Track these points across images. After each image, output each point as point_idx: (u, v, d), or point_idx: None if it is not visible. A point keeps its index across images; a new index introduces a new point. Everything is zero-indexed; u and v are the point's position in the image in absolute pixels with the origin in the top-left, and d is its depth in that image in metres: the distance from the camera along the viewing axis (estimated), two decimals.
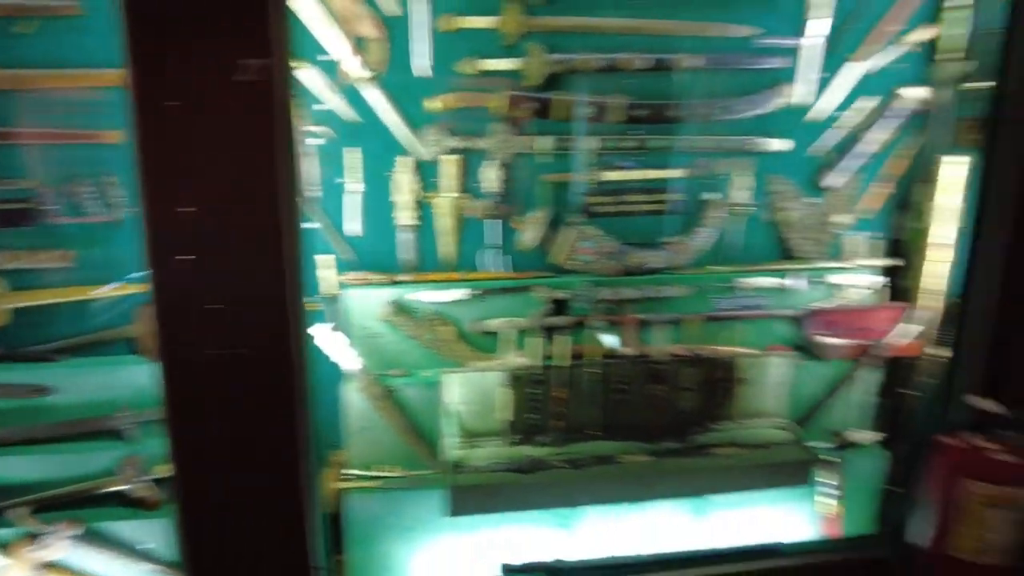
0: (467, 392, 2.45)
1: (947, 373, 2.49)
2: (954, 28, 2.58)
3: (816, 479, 2.73)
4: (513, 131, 2.43)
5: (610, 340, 2.58)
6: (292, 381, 1.67)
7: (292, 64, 1.54)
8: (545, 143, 2.48)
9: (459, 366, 2.52)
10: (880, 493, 2.76)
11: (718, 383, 2.58)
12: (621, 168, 2.57)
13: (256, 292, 1.60)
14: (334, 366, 2.41)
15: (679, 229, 2.63)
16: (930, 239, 2.69)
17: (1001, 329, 2.27)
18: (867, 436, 2.74)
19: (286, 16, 1.50)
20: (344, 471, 2.44)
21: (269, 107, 1.48)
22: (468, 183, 2.50)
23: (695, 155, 2.59)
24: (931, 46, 2.65)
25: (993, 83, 2.27)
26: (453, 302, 2.51)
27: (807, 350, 2.70)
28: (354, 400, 2.43)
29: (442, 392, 2.44)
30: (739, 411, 2.63)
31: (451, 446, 2.45)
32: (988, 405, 2.21)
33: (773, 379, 2.63)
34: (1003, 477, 2.12)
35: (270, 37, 1.44)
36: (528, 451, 2.48)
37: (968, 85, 2.55)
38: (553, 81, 2.44)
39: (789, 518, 2.75)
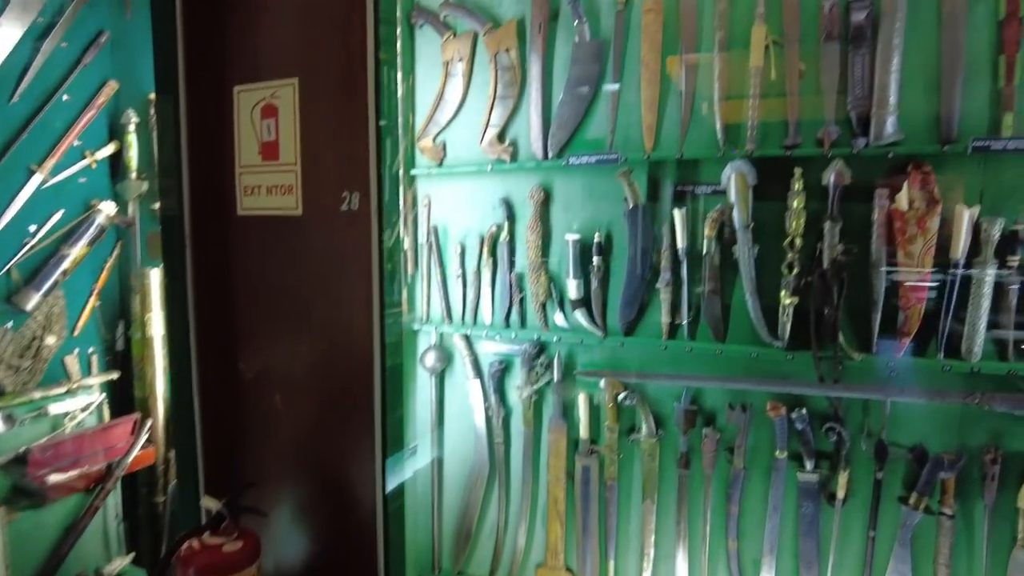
0: None
1: (180, 476, 2.59)
2: (134, 149, 2.73)
3: None
4: None
5: None
6: None
7: None
8: None
9: None
10: None
11: None
12: None
13: None
14: None
15: None
16: (152, 347, 2.75)
17: (205, 429, 2.44)
18: (120, 563, 2.59)
19: None
20: None
21: None
22: None
23: None
24: (119, 162, 2.73)
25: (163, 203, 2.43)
26: None
27: (32, 495, 2.36)
28: None
29: None
30: None
31: None
32: (211, 504, 2.33)
33: None
34: (230, 566, 2.26)
35: None
36: None
37: (151, 204, 2.74)
38: None
39: None
